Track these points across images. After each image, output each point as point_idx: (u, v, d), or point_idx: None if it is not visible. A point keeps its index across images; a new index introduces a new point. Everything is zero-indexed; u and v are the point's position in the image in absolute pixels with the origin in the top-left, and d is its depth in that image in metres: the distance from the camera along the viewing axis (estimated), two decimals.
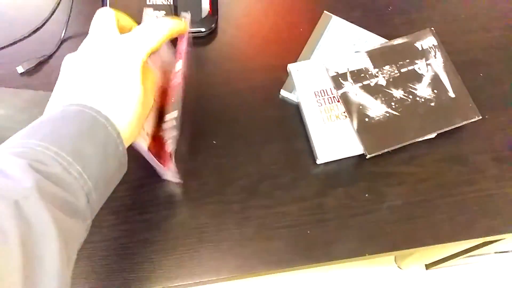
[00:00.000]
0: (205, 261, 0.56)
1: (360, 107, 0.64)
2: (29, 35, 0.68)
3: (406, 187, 0.63)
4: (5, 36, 0.68)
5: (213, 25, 0.70)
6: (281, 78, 0.68)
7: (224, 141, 0.63)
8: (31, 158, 0.37)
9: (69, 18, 0.67)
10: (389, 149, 0.63)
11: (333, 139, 0.63)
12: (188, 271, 0.56)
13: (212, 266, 0.56)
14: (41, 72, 0.66)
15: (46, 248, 0.34)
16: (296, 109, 0.66)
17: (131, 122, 0.44)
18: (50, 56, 0.67)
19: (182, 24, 0.50)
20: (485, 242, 0.96)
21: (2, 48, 0.67)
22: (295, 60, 0.69)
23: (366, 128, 0.63)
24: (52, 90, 0.63)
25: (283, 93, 0.67)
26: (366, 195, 0.62)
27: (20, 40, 0.68)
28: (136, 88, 0.44)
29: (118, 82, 0.44)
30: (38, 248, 0.34)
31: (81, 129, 0.40)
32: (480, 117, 0.65)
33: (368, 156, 0.62)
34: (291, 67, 0.67)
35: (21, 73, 0.65)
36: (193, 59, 0.69)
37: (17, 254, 0.32)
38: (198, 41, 0.71)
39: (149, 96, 0.47)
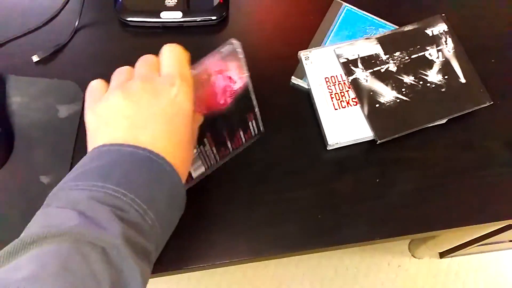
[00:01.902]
0: (217, 244, 0.57)
1: (371, 93, 0.64)
2: (44, 25, 0.69)
3: (417, 172, 0.63)
4: (20, 25, 0.69)
5: (224, 13, 0.71)
6: (292, 66, 0.68)
7: None
8: (113, 205, 0.38)
9: (82, 8, 0.68)
10: (400, 135, 0.63)
11: (344, 124, 0.63)
12: (201, 253, 0.57)
13: (224, 249, 0.57)
14: (55, 61, 0.67)
15: None
16: (306, 96, 0.67)
17: (187, 166, 0.46)
18: (65, 45, 0.68)
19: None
20: (498, 229, 0.96)
21: (18, 37, 0.68)
22: (305, 48, 0.69)
23: (377, 113, 0.63)
24: (66, 79, 0.65)
25: (294, 80, 0.67)
26: (377, 180, 0.62)
27: (35, 29, 0.69)
28: (190, 132, 0.45)
29: (177, 128, 0.43)
30: None
31: (151, 176, 0.41)
32: (492, 103, 0.65)
33: (378, 142, 0.62)
34: (302, 54, 0.67)
35: (36, 62, 0.66)
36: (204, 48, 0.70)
37: None
38: (209, 30, 0.71)
39: (195, 137, 0.49)
